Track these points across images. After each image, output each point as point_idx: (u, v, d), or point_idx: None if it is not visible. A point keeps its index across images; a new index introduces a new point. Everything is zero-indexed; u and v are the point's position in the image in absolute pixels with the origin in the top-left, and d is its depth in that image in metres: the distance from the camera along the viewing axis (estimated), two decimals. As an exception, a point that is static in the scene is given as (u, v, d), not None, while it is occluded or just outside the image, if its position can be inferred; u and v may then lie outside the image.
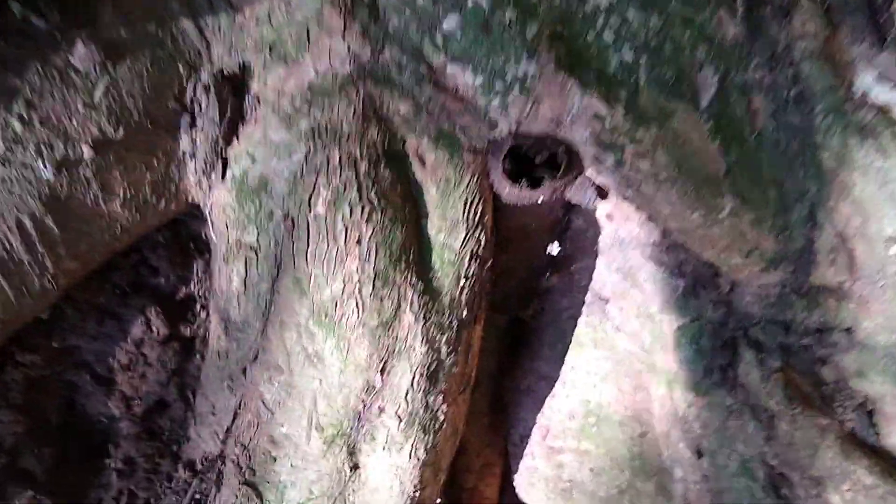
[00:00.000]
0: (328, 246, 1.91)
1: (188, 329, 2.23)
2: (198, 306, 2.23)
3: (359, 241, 1.90)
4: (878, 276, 2.03)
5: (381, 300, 1.94)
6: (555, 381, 2.56)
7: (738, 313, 2.29)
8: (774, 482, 2.20)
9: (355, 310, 1.93)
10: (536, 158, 2.03)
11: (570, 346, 2.53)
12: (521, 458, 2.63)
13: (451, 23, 1.85)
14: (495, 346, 2.60)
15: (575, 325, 2.52)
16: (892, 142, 1.93)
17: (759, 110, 2.06)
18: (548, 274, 2.58)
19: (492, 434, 2.74)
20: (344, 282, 1.92)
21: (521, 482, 2.66)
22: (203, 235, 2.17)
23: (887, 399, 2.06)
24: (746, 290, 2.26)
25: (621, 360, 2.43)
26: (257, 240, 2.00)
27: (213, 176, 2.00)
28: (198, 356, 2.24)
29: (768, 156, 2.09)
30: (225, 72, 1.96)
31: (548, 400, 2.55)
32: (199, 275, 2.21)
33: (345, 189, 1.89)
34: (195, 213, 2.13)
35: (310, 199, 1.91)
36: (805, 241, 2.14)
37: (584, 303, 2.51)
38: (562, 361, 2.54)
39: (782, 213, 2.13)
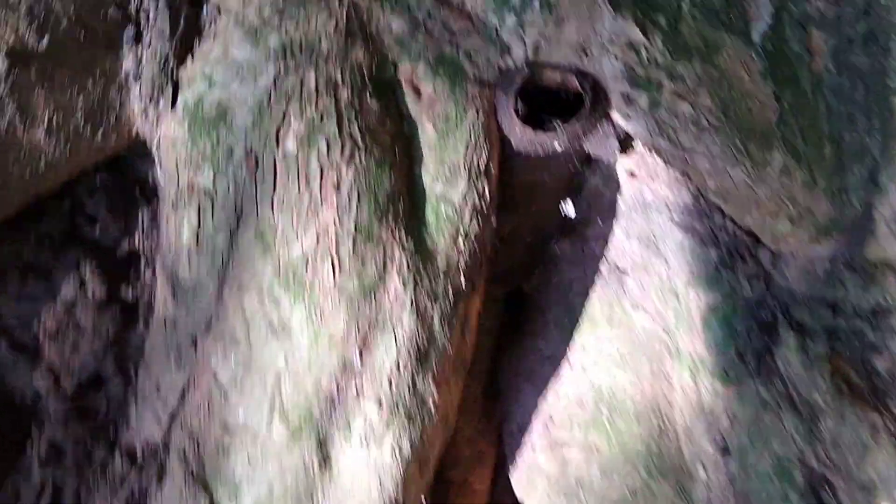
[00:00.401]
0: (299, 191, 1.59)
1: (130, 291, 1.90)
2: (142, 264, 1.89)
3: (337, 187, 1.58)
4: (954, 250, 1.77)
5: (363, 260, 1.63)
6: (560, 364, 2.25)
7: (780, 290, 2.04)
8: (815, 487, 1.96)
9: (331, 271, 1.62)
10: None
11: (581, 324, 2.23)
12: (520, 450, 2.31)
13: (459, -85, 1.52)
14: (491, 321, 2.29)
15: (586, 300, 2.23)
16: None
17: (819, 48, 1.81)
18: (557, 239, 2.25)
19: (485, 422, 2.44)
20: (318, 236, 1.61)
21: (519, 479, 2.35)
22: (151, 179, 1.82)
23: (954, 396, 1.83)
24: (791, 264, 2.02)
25: (640, 341, 2.15)
26: (213, 183, 1.68)
27: (161, 103, 1.66)
28: (141, 323, 1.91)
29: (827, 103, 1.85)
30: (180, -27, 1.62)
31: (552, 385, 2.25)
32: (146, 226, 1.87)
33: (322, 120, 1.57)
34: (141, 151, 1.79)
35: (278, 132, 1.60)
36: (863, 206, 1.92)
37: (597, 274, 2.21)
38: (569, 341, 2.24)
39: (839, 173, 1.89)
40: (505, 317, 2.37)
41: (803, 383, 1.96)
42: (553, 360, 2.25)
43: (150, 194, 1.86)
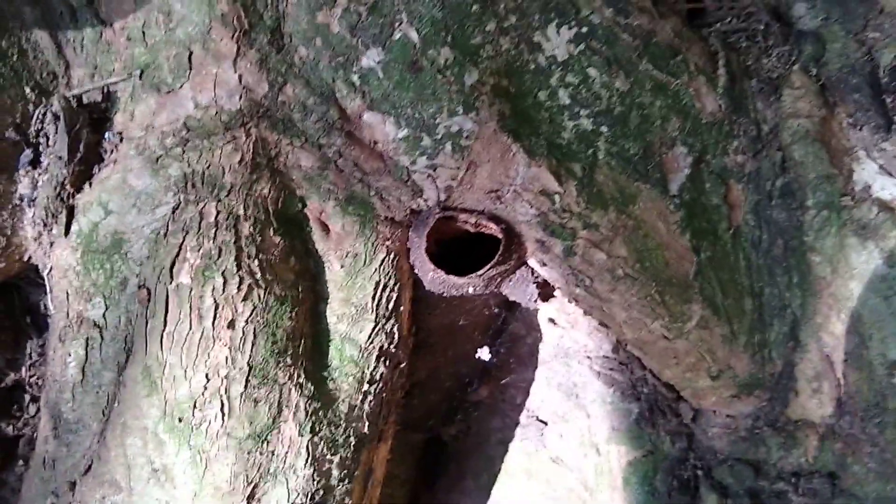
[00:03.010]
0: (191, 327, 1.50)
1: (12, 426, 1.75)
2: (27, 398, 1.75)
3: (231, 325, 1.49)
4: (874, 412, 1.73)
5: (256, 403, 1.52)
6: (477, 521, 2.10)
7: (701, 448, 1.98)
8: None
9: (219, 414, 1.50)
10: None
11: (499, 478, 2.15)
12: None
13: (371, 58, 1.52)
14: (408, 472, 2.16)
15: (505, 451, 2.15)
16: (901, 246, 1.67)
17: (738, 201, 1.82)
18: (476, 385, 2.16)
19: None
20: (207, 376, 1.49)
21: None
22: (43, 307, 1.71)
23: (879, 563, 1.74)
24: (712, 421, 1.95)
25: (559, 497, 2.07)
26: (104, 315, 1.58)
27: (55, 229, 1.56)
28: (21, 462, 1.75)
29: (746, 257, 1.84)
30: (84, 99, 1.57)
31: (467, 544, 2.10)
32: (34, 357, 1.74)
33: (219, 255, 1.49)
34: (34, 278, 1.67)
35: (173, 264, 1.50)
36: (784, 363, 1.86)
37: (517, 424, 2.14)
38: (487, 496, 2.14)
39: (759, 329, 1.85)
40: (422, 467, 2.24)
41: (726, 548, 1.87)
42: (469, 516, 2.13)
43: (43, 325, 1.75)
